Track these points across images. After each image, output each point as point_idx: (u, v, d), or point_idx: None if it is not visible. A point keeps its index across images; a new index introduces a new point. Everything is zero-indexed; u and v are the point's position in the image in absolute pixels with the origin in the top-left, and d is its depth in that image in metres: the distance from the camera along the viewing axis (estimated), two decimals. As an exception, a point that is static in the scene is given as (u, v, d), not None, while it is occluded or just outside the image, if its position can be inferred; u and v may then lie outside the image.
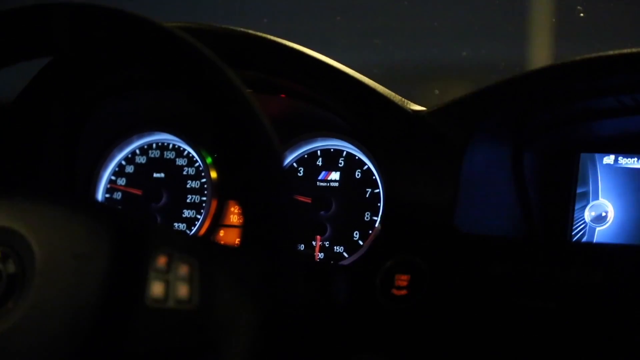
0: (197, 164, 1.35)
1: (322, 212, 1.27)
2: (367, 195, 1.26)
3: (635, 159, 1.17)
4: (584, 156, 1.20)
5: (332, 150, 1.30)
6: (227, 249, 0.72)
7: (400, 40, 1.71)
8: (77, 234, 0.73)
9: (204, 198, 1.34)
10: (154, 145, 1.38)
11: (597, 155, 1.19)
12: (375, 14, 1.74)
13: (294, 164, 1.31)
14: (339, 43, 1.72)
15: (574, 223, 1.19)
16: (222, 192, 1.33)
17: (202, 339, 0.69)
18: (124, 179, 1.38)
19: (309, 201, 1.28)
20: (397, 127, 1.14)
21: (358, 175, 1.28)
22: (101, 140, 1.38)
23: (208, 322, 0.69)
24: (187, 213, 1.35)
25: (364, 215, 1.26)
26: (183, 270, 0.70)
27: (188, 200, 1.35)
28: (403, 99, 1.17)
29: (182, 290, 0.70)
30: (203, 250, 0.71)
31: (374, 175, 1.26)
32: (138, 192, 1.37)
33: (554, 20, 1.61)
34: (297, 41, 1.19)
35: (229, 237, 1.33)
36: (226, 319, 0.68)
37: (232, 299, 0.68)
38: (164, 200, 1.36)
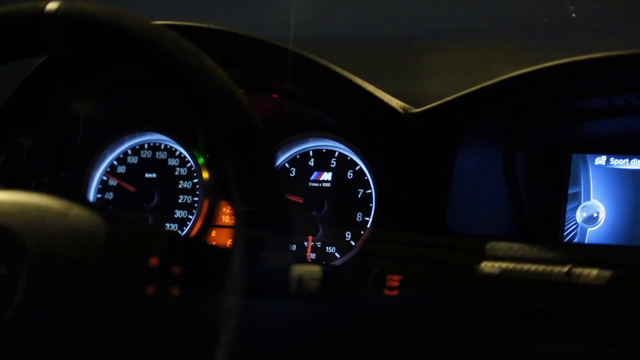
0: (189, 165, 1.35)
1: (314, 213, 1.27)
2: (359, 196, 1.26)
3: (627, 160, 1.18)
4: (575, 157, 1.20)
5: (324, 150, 1.30)
6: (219, 250, 0.72)
7: (391, 40, 1.71)
8: (70, 235, 0.73)
9: (196, 198, 1.34)
10: (146, 146, 1.38)
11: (588, 156, 1.19)
12: (366, 12, 1.74)
13: (286, 165, 1.31)
14: (328, 42, 1.72)
15: (566, 224, 1.19)
16: (214, 193, 1.33)
17: (193, 338, 0.69)
18: (115, 180, 1.38)
19: (301, 201, 1.28)
20: (389, 128, 1.14)
21: (350, 175, 1.28)
22: (93, 141, 1.37)
23: (199, 322, 0.69)
24: (179, 213, 1.35)
25: (356, 216, 1.26)
26: (175, 271, 0.70)
27: (180, 201, 1.35)
28: (395, 99, 1.17)
29: (174, 291, 0.70)
30: (194, 251, 0.71)
31: (366, 176, 1.26)
32: (132, 188, 1.37)
33: (546, 20, 1.62)
34: (289, 41, 1.19)
35: (220, 237, 1.33)
36: (218, 318, 0.68)
37: (223, 299, 0.68)
38: (155, 200, 1.35)
